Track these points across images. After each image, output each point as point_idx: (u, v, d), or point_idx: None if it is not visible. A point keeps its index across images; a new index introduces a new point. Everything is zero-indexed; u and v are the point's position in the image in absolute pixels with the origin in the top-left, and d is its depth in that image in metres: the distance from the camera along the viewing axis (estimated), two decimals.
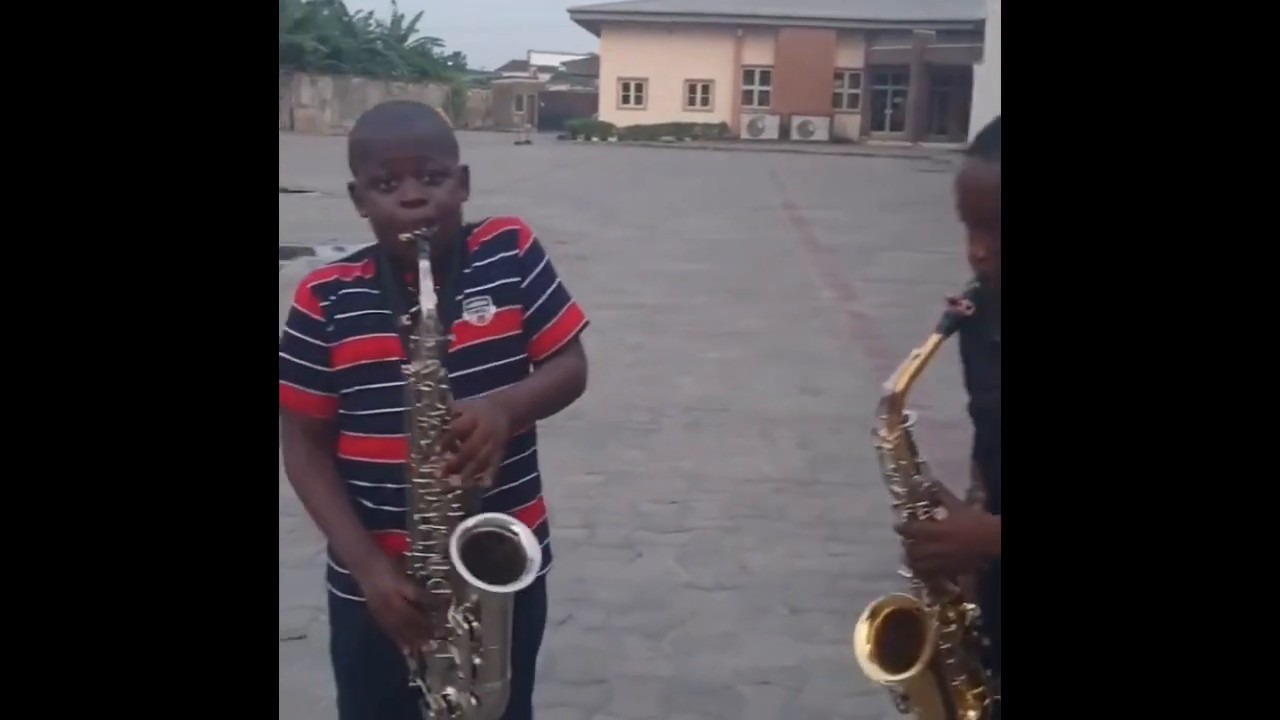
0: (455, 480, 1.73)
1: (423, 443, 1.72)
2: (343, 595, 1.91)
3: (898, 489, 1.69)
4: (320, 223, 12.85)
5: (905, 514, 1.69)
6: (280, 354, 1.85)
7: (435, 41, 53.89)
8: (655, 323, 8.30)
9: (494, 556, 1.77)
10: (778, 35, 41.30)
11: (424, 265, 1.71)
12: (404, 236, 1.74)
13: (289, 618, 3.47)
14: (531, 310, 1.89)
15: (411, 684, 1.84)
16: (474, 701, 1.82)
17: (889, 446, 1.68)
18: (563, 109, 49.85)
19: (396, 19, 50.78)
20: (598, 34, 44.60)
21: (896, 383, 1.66)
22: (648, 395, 6.22)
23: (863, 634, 1.73)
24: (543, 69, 62.97)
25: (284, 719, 2.92)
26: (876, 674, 1.72)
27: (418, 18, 51.27)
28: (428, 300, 1.70)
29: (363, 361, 1.83)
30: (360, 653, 1.92)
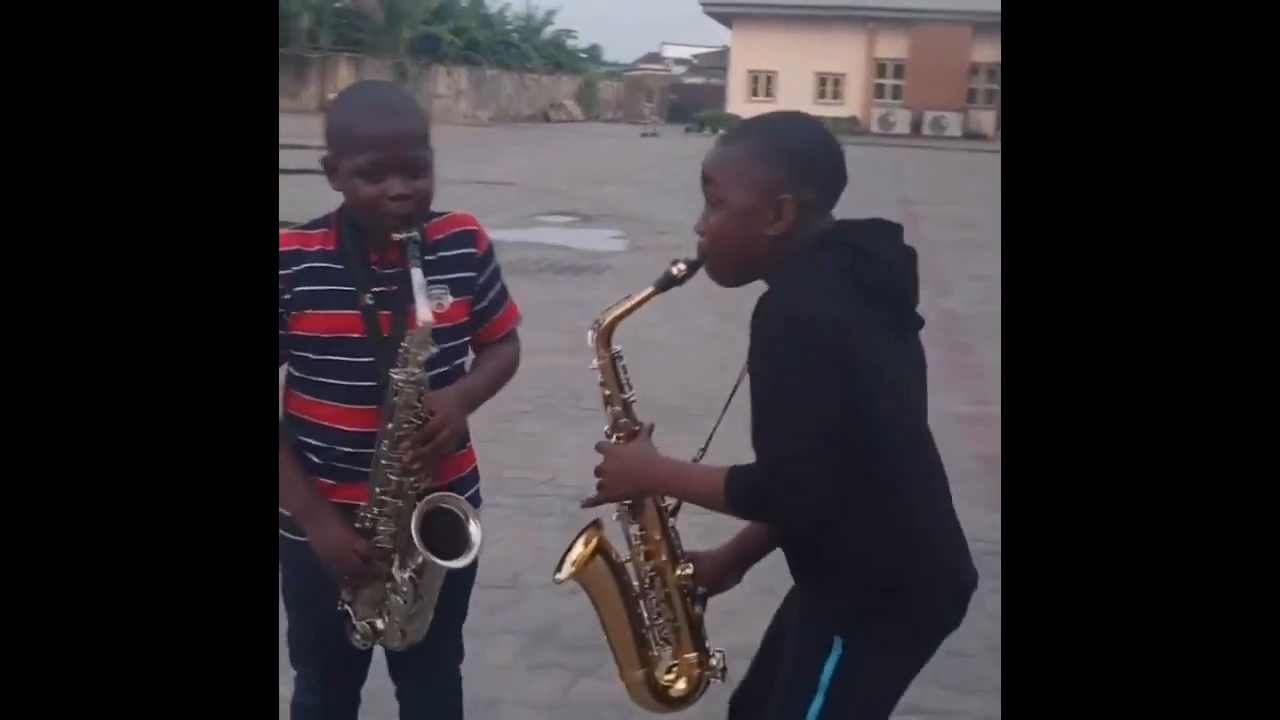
0: (417, 466, 1.95)
1: (396, 434, 1.93)
2: (291, 537, 2.07)
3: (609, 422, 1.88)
4: (449, 209, 13.12)
5: None
6: None
7: (570, 34, 54.48)
8: (736, 312, 8.31)
9: (440, 526, 2.01)
10: (912, 28, 40.62)
11: (417, 278, 1.86)
12: (396, 237, 1.88)
13: None
14: (481, 304, 2.07)
15: (339, 609, 2.05)
16: (400, 633, 2.05)
17: (598, 368, 1.91)
18: (693, 101, 49.90)
19: (532, 11, 51.54)
20: (729, 26, 44.48)
21: (602, 320, 1.89)
22: (711, 381, 6.29)
23: (577, 549, 1.95)
24: (677, 61, 62.98)
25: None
26: (566, 570, 1.93)
27: (554, 11, 51.99)
28: (424, 312, 1.85)
29: (321, 334, 1.97)
30: (307, 587, 2.09)
